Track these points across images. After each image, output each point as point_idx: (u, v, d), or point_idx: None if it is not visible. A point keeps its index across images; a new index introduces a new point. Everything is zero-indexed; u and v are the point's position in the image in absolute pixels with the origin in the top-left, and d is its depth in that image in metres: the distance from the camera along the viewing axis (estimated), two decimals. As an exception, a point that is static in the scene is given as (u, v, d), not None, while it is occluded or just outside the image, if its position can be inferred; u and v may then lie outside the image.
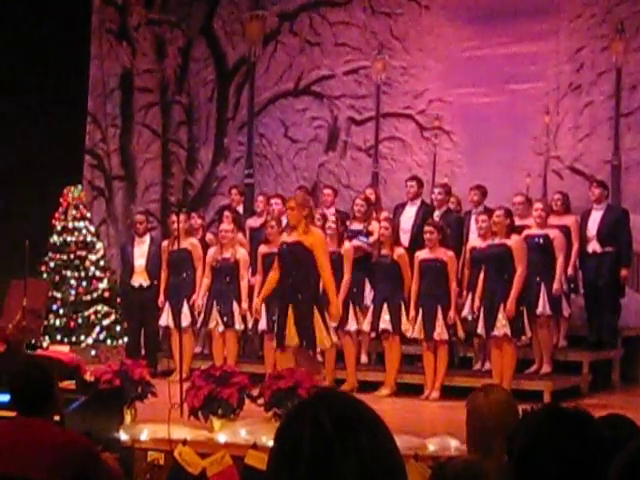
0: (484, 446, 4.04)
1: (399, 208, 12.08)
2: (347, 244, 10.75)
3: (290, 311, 9.54)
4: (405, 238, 11.21)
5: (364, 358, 11.44)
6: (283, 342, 9.63)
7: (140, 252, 12.25)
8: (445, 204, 11.79)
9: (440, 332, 10.19)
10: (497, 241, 10.08)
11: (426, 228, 10.46)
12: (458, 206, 12.04)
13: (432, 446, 7.51)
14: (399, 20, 14.62)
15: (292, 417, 1.94)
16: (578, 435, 2.41)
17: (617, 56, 13.29)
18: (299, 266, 9.57)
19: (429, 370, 10.35)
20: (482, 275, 10.19)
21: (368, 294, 10.88)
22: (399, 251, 10.53)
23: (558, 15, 13.59)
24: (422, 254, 10.42)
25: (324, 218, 11.09)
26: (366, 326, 10.64)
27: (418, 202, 11.90)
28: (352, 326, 10.65)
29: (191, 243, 11.52)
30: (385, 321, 10.41)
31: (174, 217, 11.34)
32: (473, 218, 11.30)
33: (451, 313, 10.21)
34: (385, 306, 10.42)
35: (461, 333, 10.43)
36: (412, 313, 10.33)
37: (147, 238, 12.38)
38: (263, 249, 11.07)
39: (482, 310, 10.06)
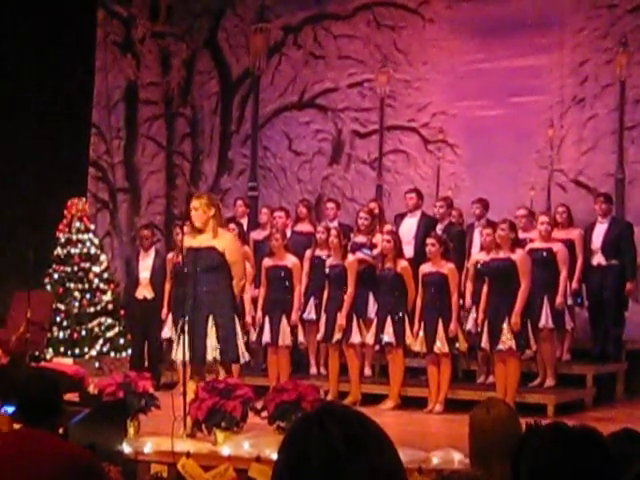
0: (486, 461, 4.04)
1: (398, 219, 12.10)
2: (350, 257, 10.76)
3: (211, 322, 8.65)
4: (406, 250, 11.20)
5: (368, 371, 11.43)
6: (204, 355, 8.71)
7: (145, 265, 12.28)
8: (447, 217, 11.80)
9: (441, 345, 10.18)
10: (501, 255, 10.08)
11: (428, 241, 10.47)
12: (460, 219, 12.05)
13: (436, 459, 7.49)
14: (403, 33, 14.65)
15: (298, 429, 1.94)
16: (586, 455, 2.40)
17: (621, 69, 13.30)
18: (213, 273, 8.69)
19: (433, 383, 10.34)
20: (485, 288, 10.19)
21: (372, 307, 10.88)
22: (402, 264, 10.54)
23: (562, 28, 13.61)
24: (425, 267, 10.43)
25: (327, 231, 11.10)
26: (370, 339, 10.63)
27: (418, 213, 11.93)
28: (356, 339, 10.65)
29: None
30: (389, 334, 10.40)
31: (178, 229, 11.31)
32: (477, 231, 11.31)
33: (452, 326, 10.20)
34: (389, 319, 10.42)
35: (464, 346, 10.42)
36: (416, 326, 10.34)
37: (152, 251, 12.40)
38: (267, 262, 11.09)
39: (486, 324, 10.06)
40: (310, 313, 11.31)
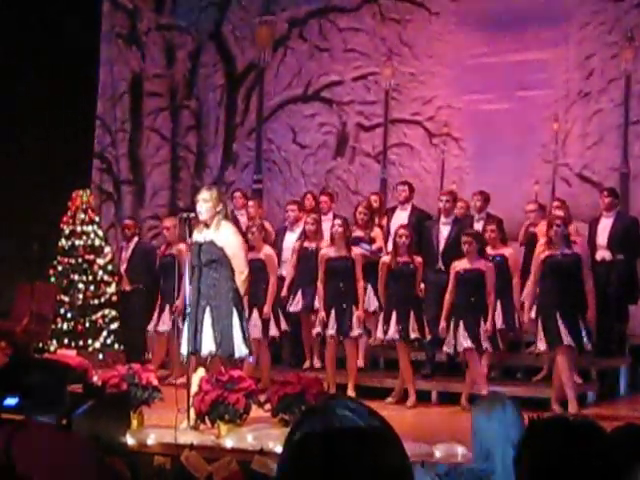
0: (489, 455, 4.04)
1: (389, 212, 12.05)
2: (357, 250, 10.68)
3: (208, 314, 8.60)
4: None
5: (360, 362, 11.25)
6: (199, 348, 8.61)
7: (125, 257, 12.48)
8: (452, 211, 11.74)
9: (471, 343, 9.95)
10: (567, 251, 9.70)
11: (463, 239, 10.18)
12: (468, 211, 11.98)
13: (439, 453, 7.49)
14: (408, 26, 14.63)
15: (303, 423, 1.94)
16: (587, 447, 2.40)
17: (626, 64, 13.28)
18: (213, 267, 8.65)
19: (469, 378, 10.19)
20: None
21: (372, 300, 10.85)
22: (418, 259, 10.40)
23: (568, 23, 13.59)
24: (460, 264, 10.18)
25: (317, 223, 11.12)
26: (379, 334, 10.50)
27: (409, 207, 11.87)
28: (379, 334, 10.46)
29: (177, 249, 11.39)
30: (396, 329, 10.28)
31: (166, 222, 11.97)
32: (480, 225, 11.27)
33: (489, 325, 9.95)
34: (394, 313, 10.30)
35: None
36: (442, 324, 10.14)
37: (132, 243, 12.61)
38: (249, 256, 10.96)
39: (540, 322, 9.69)
40: (298, 305, 11.20)
